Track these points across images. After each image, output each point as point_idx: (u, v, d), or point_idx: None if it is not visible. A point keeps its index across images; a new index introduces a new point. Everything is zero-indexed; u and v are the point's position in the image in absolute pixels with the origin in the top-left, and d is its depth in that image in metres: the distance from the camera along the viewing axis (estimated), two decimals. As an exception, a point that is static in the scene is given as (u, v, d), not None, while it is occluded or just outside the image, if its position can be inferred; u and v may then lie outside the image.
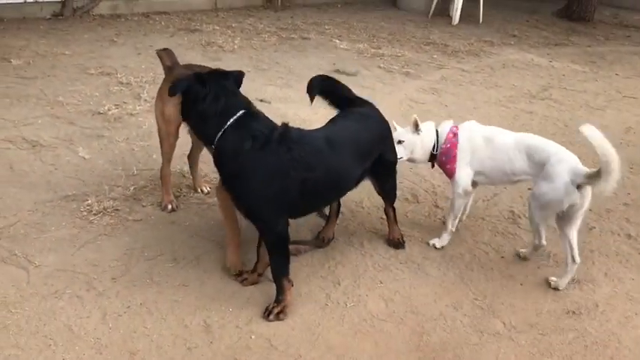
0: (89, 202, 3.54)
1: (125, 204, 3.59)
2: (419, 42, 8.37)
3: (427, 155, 3.47)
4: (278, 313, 2.76)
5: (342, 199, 3.44)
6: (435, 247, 3.47)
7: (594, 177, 2.86)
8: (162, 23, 8.17)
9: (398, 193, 3.93)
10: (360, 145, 3.04)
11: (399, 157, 3.43)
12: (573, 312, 3.01)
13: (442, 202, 4.01)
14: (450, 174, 3.43)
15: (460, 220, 3.60)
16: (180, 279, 2.99)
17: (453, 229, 3.48)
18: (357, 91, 4.71)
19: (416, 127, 3.41)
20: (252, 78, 6.18)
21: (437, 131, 3.46)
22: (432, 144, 3.44)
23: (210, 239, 3.33)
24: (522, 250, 3.47)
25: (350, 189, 3.14)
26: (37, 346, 2.48)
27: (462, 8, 9.68)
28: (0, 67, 5.77)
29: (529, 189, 3.56)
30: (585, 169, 2.96)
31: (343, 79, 6.21)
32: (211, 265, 3.12)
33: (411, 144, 3.44)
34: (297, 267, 3.15)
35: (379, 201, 3.58)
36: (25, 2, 7.94)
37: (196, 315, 2.75)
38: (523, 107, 6.02)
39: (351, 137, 3.02)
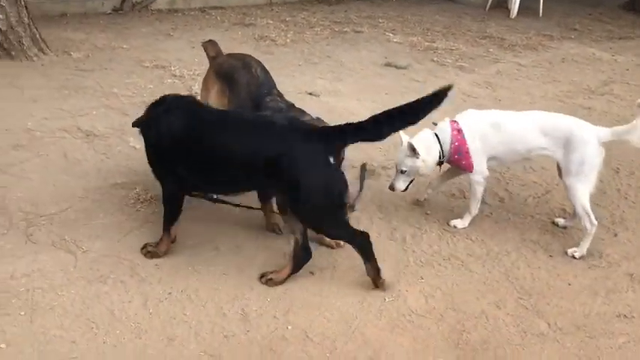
0: (137, 190, 3.62)
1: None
2: (474, 35, 8.18)
3: (434, 166, 3.44)
4: (147, 253, 3.02)
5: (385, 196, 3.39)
6: (456, 227, 3.50)
7: (624, 132, 3.21)
8: (218, 18, 8.27)
9: (445, 188, 3.88)
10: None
11: (400, 189, 3.43)
12: (625, 315, 2.88)
13: (491, 199, 3.89)
14: (469, 168, 3.39)
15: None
16: (221, 267, 3.02)
17: (476, 212, 3.51)
18: (408, 85, 4.71)
19: (413, 152, 3.31)
20: (303, 72, 6.21)
21: (437, 136, 3.38)
22: (438, 155, 3.37)
23: (251, 229, 3.35)
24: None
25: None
26: (79, 328, 2.55)
27: (520, 1, 9.40)
28: (61, 60, 5.98)
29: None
30: (607, 129, 3.27)
31: (394, 73, 6.24)
32: (251, 254, 3.14)
33: (414, 169, 3.38)
34: (338, 261, 3.14)
35: (420, 196, 3.52)
36: (88, -3, 8.21)
37: (234, 303, 2.77)
38: (581, 102, 5.80)
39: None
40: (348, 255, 3.19)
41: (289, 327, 2.66)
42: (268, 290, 2.87)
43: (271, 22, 8.19)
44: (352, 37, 7.74)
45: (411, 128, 2.88)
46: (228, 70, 3.61)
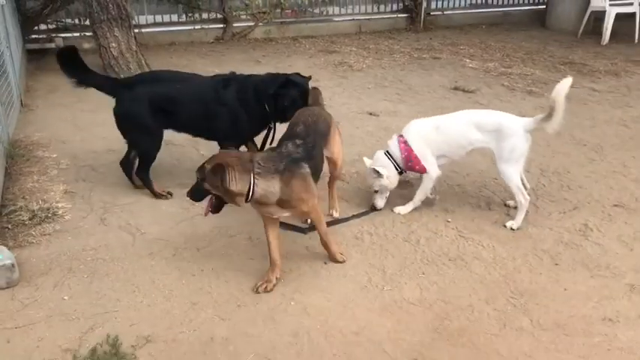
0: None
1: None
2: (555, 61, 8.22)
3: (397, 177, 4.00)
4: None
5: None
6: (400, 214, 4.00)
7: (544, 119, 3.71)
8: (307, 46, 8.98)
9: (470, 199, 4.17)
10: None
11: (380, 207, 4.05)
12: (610, 319, 3.02)
13: (515, 212, 4.11)
14: (422, 170, 3.96)
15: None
16: (250, 254, 3.55)
17: (419, 203, 4.03)
18: (470, 107, 5.16)
19: (377, 173, 3.90)
20: (370, 94, 6.67)
21: (389, 153, 3.91)
22: (394, 168, 3.95)
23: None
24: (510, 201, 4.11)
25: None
26: (125, 290, 3.17)
27: (616, 28, 9.24)
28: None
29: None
30: (530, 118, 3.81)
31: (460, 96, 6.53)
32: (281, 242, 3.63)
33: (384, 187, 3.99)
34: (349, 254, 3.55)
35: (448, 205, 3.85)
36: (194, 28, 9.26)
37: (252, 282, 3.27)
38: (647, 128, 5.76)
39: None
40: (361, 251, 3.60)
41: (292, 303, 3.11)
42: (284, 274, 3.34)
43: (355, 49, 8.76)
44: (428, 63, 8.10)
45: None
46: None
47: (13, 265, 3.17)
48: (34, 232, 3.67)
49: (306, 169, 3.13)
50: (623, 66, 8.01)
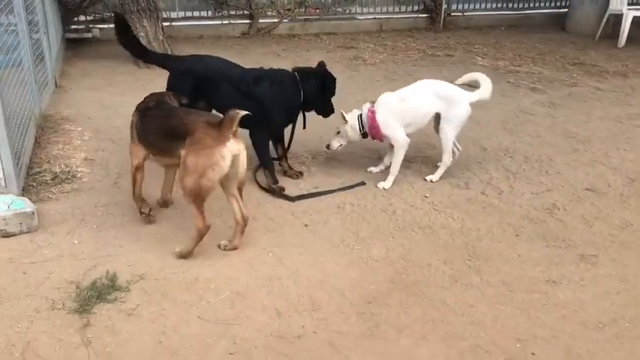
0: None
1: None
2: (566, 62, 8.44)
3: (358, 135, 4.53)
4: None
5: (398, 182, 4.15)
6: (385, 189, 4.42)
7: (480, 94, 4.51)
8: (327, 42, 9.40)
9: (451, 179, 4.52)
10: None
11: (338, 145, 4.58)
12: (553, 281, 3.35)
13: (491, 191, 4.44)
14: (379, 138, 4.54)
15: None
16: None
17: (397, 173, 4.49)
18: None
19: (344, 119, 4.48)
20: (378, 86, 7.04)
21: (360, 116, 4.50)
22: (358, 126, 4.49)
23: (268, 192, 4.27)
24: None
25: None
26: (127, 238, 3.64)
27: (635, 31, 9.37)
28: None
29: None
30: (473, 93, 4.51)
31: (465, 90, 6.80)
32: (268, 207, 4.05)
33: (344, 132, 4.53)
34: (330, 220, 3.94)
35: (430, 184, 4.31)
36: (222, 23, 9.78)
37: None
38: (639, 124, 5.98)
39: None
40: (341, 219, 3.99)
41: (270, 254, 3.52)
42: (267, 232, 3.75)
43: (372, 46, 9.14)
44: (440, 60, 8.42)
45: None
46: None
47: (33, 213, 3.67)
48: (54, 189, 4.18)
49: None
50: (633, 67, 8.17)
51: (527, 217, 4.08)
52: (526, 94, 6.94)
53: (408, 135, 4.48)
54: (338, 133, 4.60)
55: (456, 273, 3.41)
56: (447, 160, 4.53)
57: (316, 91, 4.38)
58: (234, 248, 3.54)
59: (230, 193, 3.48)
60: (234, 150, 3.22)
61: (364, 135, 4.53)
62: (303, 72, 4.42)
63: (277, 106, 4.29)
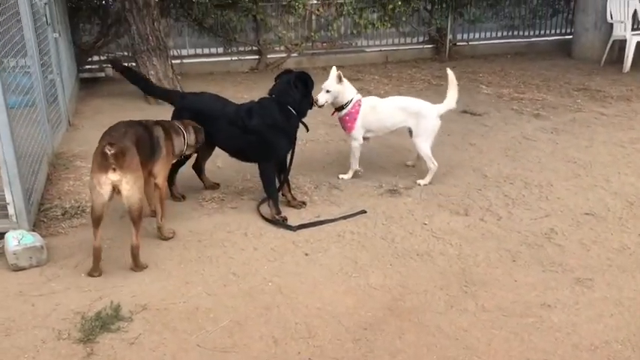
0: (205, 193, 4.86)
1: (230, 196, 4.84)
2: (570, 88, 8.52)
3: (339, 104, 4.92)
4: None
5: (393, 208, 4.24)
6: (343, 179, 5.08)
7: (446, 105, 5.01)
8: (333, 74, 9.58)
9: (451, 206, 4.60)
10: None
11: (320, 103, 4.86)
12: (548, 305, 3.39)
13: (490, 217, 4.50)
14: (348, 130, 4.99)
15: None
16: (242, 245, 4.08)
17: (356, 167, 5.09)
18: (475, 128, 5.86)
19: (339, 79, 4.88)
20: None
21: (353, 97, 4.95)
22: (348, 99, 4.91)
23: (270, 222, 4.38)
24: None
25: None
26: (131, 270, 3.76)
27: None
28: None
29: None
30: (441, 105, 5.01)
31: (467, 118, 6.95)
32: (270, 237, 4.16)
33: (334, 92, 4.89)
34: (330, 249, 4.03)
35: (429, 212, 4.32)
36: (231, 59, 10.04)
37: (242, 268, 3.79)
38: (640, 148, 6.03)
39: None
40: (339, 245, 4.08)
41: (270, 284, 3.61)
42: (268, 262, 3.85)
43: (377, 77, 9.32)
44: (445, 90, 8.49)
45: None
46: None
47: (42, 247, 3.81)
48: (64, 224, 4.33)
49: None
50: (637, 92, 8.23)
51: (524, 242, 4.13)
52: (529, 120, 7.02)
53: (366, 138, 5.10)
54: (328, 92, 4.89)
55: (452, 299, 3.46)
56: (431, 165, 5.00)
57: (301, 95, 4.49)
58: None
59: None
60: (113, 179, 3.49)
61: (339, 109, 4.95)
62: (279, 90, 4.51)
63: (274, 131, 4.43)
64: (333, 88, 4.88)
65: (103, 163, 3.48)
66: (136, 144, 3.70)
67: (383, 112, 4.98)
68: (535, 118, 7.13)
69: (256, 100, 4.65)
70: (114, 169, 3.48)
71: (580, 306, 3.37)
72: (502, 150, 6.00)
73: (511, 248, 4.04)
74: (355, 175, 5.20)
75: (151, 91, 5.29)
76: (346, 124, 4.99)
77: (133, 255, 3.73)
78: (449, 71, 5.14)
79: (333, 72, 4.94)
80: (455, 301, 3.45)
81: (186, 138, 4.30)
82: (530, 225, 4.38)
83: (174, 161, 4.40)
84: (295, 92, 4.45)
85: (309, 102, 4.60)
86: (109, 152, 3.43)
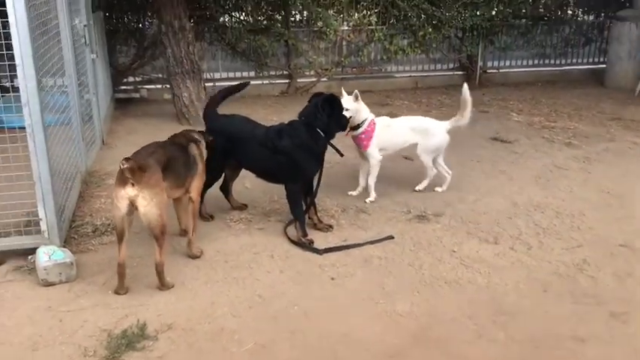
0: (233, 214, 4.89)
1: (257, 218, 4.85)
2: (603, 117, 8.39)
3: (354, 123, 5.01)
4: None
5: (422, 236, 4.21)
6: (372, 200, 5.16)
7: (456, 120, 5.31)
8: (363, 99, 9.59)
9: (480, 233, 4.55)
10: None
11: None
12: (582, 339, 3.29)
13: (520, 246, 4.42)
14: (364, 147, 5.13)
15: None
16: (268, 267, 4.08)
17: (373, 184, 5.21)
18: (505, 156, 5.99)
19: (356, 98, 4.98)
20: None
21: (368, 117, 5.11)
22: (363, 118, 5.04)
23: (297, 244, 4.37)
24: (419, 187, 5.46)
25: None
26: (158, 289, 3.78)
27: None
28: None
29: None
30: (448, 122, 5.35)
31: (497, 145, 6.88)
32: (296, 260, 4.14)
33: (352, 110, 4.96)
34: (356, 274, 4.00)
35: (458, 239, 4.29)
36: (262, 83, 10.15)
37: (267, 290, 3.78)
38: (676, 178, 5.88)
39: None
40: (366, 270, 4.05)
41: (296, 307, 3.59)
42: (293, 286, 3.84)
43: (407, 102, 9.32)
44: (474, 116, 8.41)
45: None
46: None
47: (72, 264, 3.87)
48: (94, 241, 4.38)
49: None
50: (672, 122, 8.07)
51: (556, 272, 4.04)
52: (561, 149, 6.92)
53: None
54: (347, 110, 4.87)
55: (481, 328, 3.40)
56: (430, 172, 5.41)
57: (328, 117, 4.48)
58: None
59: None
60: (130, 194, 3.54)
61: (353, 128, 5.04)
62: (307, 113, 4.53)
63: (302, 152, 4.45)
64: (350, 106, 4.95)
65: (121, 177, 3.55)
66: (165, 164, 3.78)
67: (396, 130, 5.24)
68: (567, 146, 7.02)
69: (286, 122, 4.67)
70: (132, 184, 3.53)
71: (615, 340, 3.27)
72: (533, 178, 5.91)
73: (542, 278, 3.96)
74: (381, 199, 5.18)
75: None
76: (362, 142, 5.12)
77: (157, 273, 3.74)
78: (465, 87, 5.32)
79: (354, 92, 5.02)
80: (484, 330, 3.38)
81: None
82: (562, 255, 4.28)
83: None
84: (322, 114, 4.46)
85: (336, 124, 4.59)
86: (122, 166, 3.49)
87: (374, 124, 5.13)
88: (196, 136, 4.40)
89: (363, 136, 5.10)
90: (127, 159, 3.51)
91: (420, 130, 5.28)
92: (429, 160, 5.33)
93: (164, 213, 3.68)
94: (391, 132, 5.22)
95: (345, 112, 4.78)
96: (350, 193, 5.34)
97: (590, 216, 4.96)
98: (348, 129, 4.99)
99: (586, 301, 3.68)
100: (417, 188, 5.43)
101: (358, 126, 5.07)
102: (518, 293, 3.78)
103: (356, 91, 5.01)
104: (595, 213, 5.03)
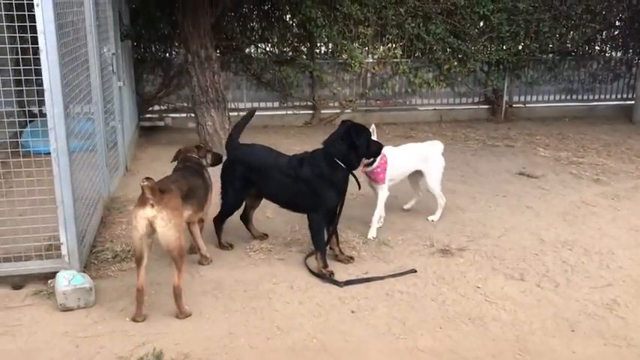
0: (253, 243, 4.85)
1: (277, 247, 4.80)
2: (632, 154, 8.24)
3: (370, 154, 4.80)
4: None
5: (447, 270, 4.12)
6: (373, 238, 5.02)
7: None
8: (387, 131, 9.57)
9: (506, 269, 4.44)
10: None
11: None
12: (612, 382, 3.15)
13: (546, 283, 4.29)
14: (381, 181, 5.09)
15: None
16: (287, 298, 4.01)
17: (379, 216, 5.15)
18: (531, 191, 5.91)
19: (372, 132, 4.80)
20: (435, 174, 7.06)
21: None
22: (374, 153, 4.76)
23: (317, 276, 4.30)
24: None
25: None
26: (176, 317, 3.73)
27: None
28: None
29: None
30: (441, 144, 5.55)
31: (523, 181, 6.77)
32: (316, 291, 4.07)
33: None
34: (377, 308, 3.91)
35: (483, 274, 4.17)
36: (286, 114, 10.22)
37: (286, 321, 3.71)
38: None
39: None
40: (387, 304, 3.96)
41: (314, 340, 3.51)
42: (313, 318, 3.76)
43: (431, 135, 9.26)
44: (500, 150, 8.41)
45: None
46: None
47: (91, 289, 3.85)
48: (113, 267, 4.37)
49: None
50: (703, 160, 7.88)
51: (584, 312, 3.90)
52: (589, 185, 6.78)
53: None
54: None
55: (505, 368, 3.27)
56: (441, 202, 5.47)
57: (349, 148, 4.38)
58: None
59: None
60: (148, 214, 3.57)
61: (367, 165, 4.94)
62: (328, 142, 4.47)
63: (322, 182, 4.38)
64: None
65: (142, 199, 3.59)
66: (187, 192, 3.92)
67: (402, 160, 5.26)
68: (595, 183, 6.88)
69: (310, 151, 4.65)
70: (152, 205, 3.56)
71: (647, 384, 3.11)
72: (560, 214, 5.78)
73: (569, 317, 3.82)
74: (404, 232, 5.11)
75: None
76: (378, 176, 5.08)
77: (175, 296, 3.71)
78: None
79: (372, 127, 4.85)
80: (508, 370, 3.25)
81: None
82: (591, 294, 4.14)
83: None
84: (341, 144, 4.38)
85: (363, 153, 4.53)
86: (141, 183, 3.53)
87: (385, 156, 5.06)
88: (200, 158, 4.62)
89: (378, 169, 5.04)
90: (147, 178, 3.55)
91: (421, 157, 5.39)
92: (438, 184, 5.43)
93: (182, 236, 3.69)
94: (399, 161, 5.21)
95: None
96: (370, 236, 5.08)
97: (620, 254, 4.81)
98: (362, 165, 4.77)
99: (616, 343, 3.54)
100: (430, 218, 5.48)
101: (373, 161, 4.95)
102: (544, 332, 3.64)
103: (373, 125, 4.88)
104: (625, 251, 4.88)
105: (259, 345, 3.45)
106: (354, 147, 4.40)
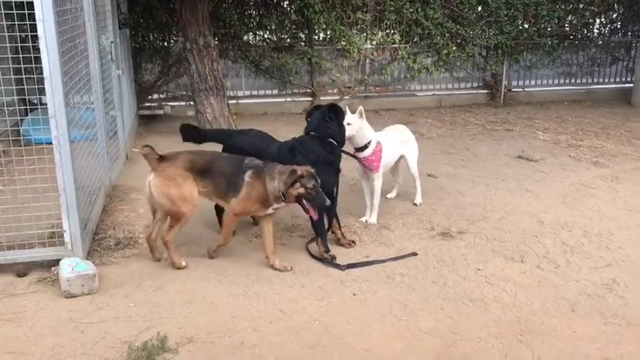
0: (255, 229, 4.87)
1: (279, 233, 4.82)
2: (631, 136, 8.26)
3: (357, 143, 4.87)
4: None
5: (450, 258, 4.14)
6: (374, 223, 4.99)
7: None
8: (386, 117, 9.59)
9: (506, 252, 4.47)
10: None
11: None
12: (611, 360, 3.19)
13: (547, 265, 4.33)
14: (376, 169, 4.99)
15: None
16: (290, 282, 4.04)
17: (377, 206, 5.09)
18: (531, 174, 5.76)
19: (361, 115, 4.84)
20: (435, 159, 7.09)
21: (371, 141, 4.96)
22: (367, 139, 4.88)
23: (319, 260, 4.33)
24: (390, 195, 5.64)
25: None
26: (180, 302, 3.76)
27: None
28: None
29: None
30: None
31: (523, 164, 6.79)
32: (318, 275, 4.11)
33: (357, 126, 4.82)
34: (378, 290, 3.94)
35: (483, 257, 4.20)
36: (285, 101, 10.21)
37: (288, 304, 3.75)
38: None
39: None
40: (388, 287, 3.99)
41: (317, 322, 3.54)
42: (315, 301, 3.80)
43: (430, 120, 9.28)
44: (500, 134, 8.42)
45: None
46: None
47: (94, 276, 3.87)
48: (116, 254, 4.39)
49: None
50: (703, 141, 7.89)
51: (584, 292, 3.93)
52: (588, 167, 6.81)
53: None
54: (349, 124, 4.75)
55: (507, 348, 3.31)
56: (418, 186, 5.53)
57: (337, 126, 4.53)
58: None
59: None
60: (149, 178, 4.13)
61: (359, 149, 4.91)
62: (317, 126, 4.50)
63: (320, 167, 4.31)
64: (354, 121, 4.81)
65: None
66: (201, 169, 4.17)
67: (391, 147, 5.18)
68: (594, 165, 6.90)
69: (296, 137, 4.64)
70: (152, 171, 4.12)
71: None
72: (559, 197, 5.80)
73: (569, 298, 3.86)
74: (404, 216, 5.13)
75: (203, 139, 4.96)
76: (373, 164, 4.98)
77: (163, 243, 4.17)
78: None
79: (359, 108, 4.92)
80: (510, 350, 3.29)
81: None
82: (590, 274, 4.18)
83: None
84: (332, 123, 4.48)
85: (342, 128, 4.61)
86: (140, 150, 4.14)
87: (380, 144, 5.00)
88: (275, 174, 4.12)
89: (372, 157, 4.96)
90: (146, 145, 4.05)
91: (402, 140, 5.37)
92: (416, 164, 5.47)
93: (177, 203, 4.06)
94: (389, 149, 5.13)
95: (347, 127, 4.70)
96: (370, 221, 5.08)
97: (619, 235, 4.84)
98: (354, 150, 4.91)
99: (615, 322, 3.57)
100: (415, 202, 5.50)
101: (365, 146, 4.93)
102: (545, 312, 3.68)
103: (360, 107, 4.91)
104: (624, 232, 4.91)
105: (262, 328, 3.48)
106: (340, 123, 4.57)
